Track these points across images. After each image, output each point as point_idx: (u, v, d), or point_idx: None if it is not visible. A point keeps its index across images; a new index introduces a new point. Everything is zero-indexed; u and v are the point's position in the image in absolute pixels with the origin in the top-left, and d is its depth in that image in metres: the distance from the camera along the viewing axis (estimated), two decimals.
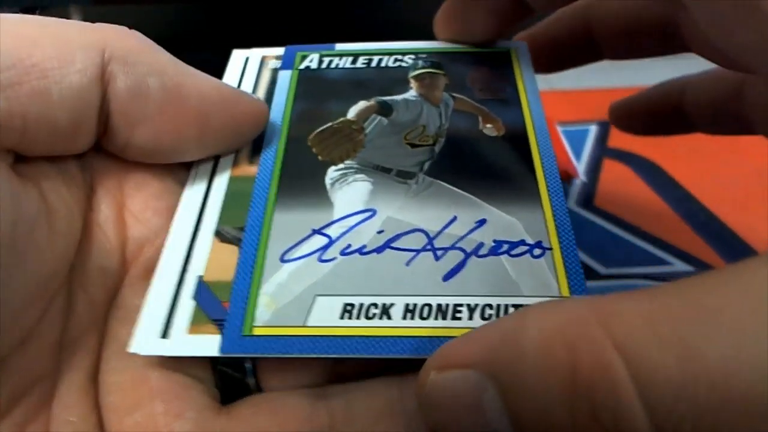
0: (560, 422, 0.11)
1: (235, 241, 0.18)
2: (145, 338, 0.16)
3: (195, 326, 0.16)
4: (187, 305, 0.16)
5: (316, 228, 0.18)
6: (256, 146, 0.20)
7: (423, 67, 0.23)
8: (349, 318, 0.16)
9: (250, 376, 0.17)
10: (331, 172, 0.19)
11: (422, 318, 0.16)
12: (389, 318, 0.16)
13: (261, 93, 0.22)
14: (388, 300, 0.16)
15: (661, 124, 0.25)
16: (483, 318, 0.16)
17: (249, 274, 0.17)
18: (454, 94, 0.22)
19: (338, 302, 0.16)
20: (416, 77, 0.22)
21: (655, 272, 0.28)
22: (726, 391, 0.10)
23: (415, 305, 0.16)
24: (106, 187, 0.18)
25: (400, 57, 0.23)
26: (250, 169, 0.19)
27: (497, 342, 0.13)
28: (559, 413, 0.11)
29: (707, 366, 0.10)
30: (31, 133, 0.15)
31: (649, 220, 0.30)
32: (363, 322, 0.16)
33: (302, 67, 0.23)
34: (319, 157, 0.20)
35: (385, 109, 0.21)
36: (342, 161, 0.20)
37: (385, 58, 0.23)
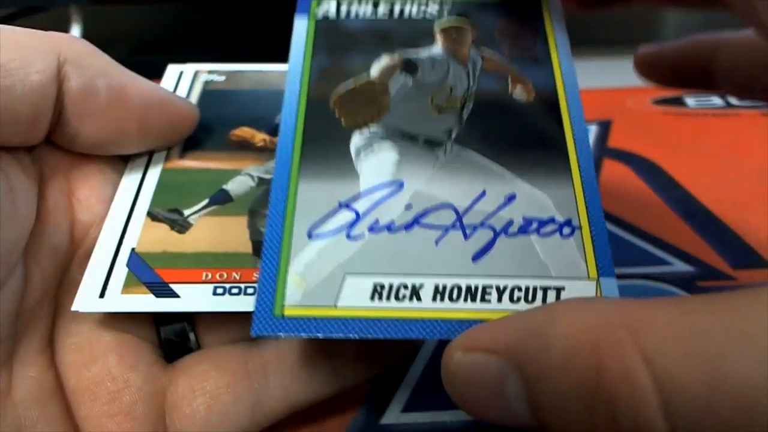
0: (579, 418, 0.12)
1: (165, 221, 0.20)
2: (85, 298, 0.18)
3: (128, 288, 0.18)
4: (121, 271, 0.18)
5: (343, 201, 0.17)
6: (187, 144, 0.22)
7: (449, 18, 0.21)
8: (380, 299, 0.16)
9: (192, 338, 0.20)
10: (356, 139, 0.19)
11: (451, 300, 0.16)
12: (419, 300, 0.16)
13: (192, 100, 0.24)
14: (417, 280, 0.16)
15: (687, 79, 0.24)
16: (511, 300, 0.16)
17: (277, 250, 0.17)
18: (483, 50, 0.21)
19: (368, 282, 0.16)
20: (442, 30, 0.21)
21: (655, 272, 0.28)
22: (751, 412, 0.10)
23: (444, 286, 0.16)
24: (55, 178, 0.20)
25: (424, 4, 0.22)
26: (180, 163, 0.22)
27: (525, 332, 0.13)
28: (578, 410, 0.12)
29: (733, 386, 0.10)
30: None
31: (649, 220, 0.30)
32: (393, 303, 0.16)
33: (320, 16, 0.22)
34: (342, 122, 0.19)
35: (410, 67, 0.20)
36: (366, 126, 0.19)
37: (408, 4, 0.22)
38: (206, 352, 0.19)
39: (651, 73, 0.25)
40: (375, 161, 0.18)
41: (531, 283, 0.16)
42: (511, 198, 0.17)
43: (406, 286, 0.16)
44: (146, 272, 0.18)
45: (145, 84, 0.20)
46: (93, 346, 0.18)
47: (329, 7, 0.22)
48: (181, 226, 0.20)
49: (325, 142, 0.19)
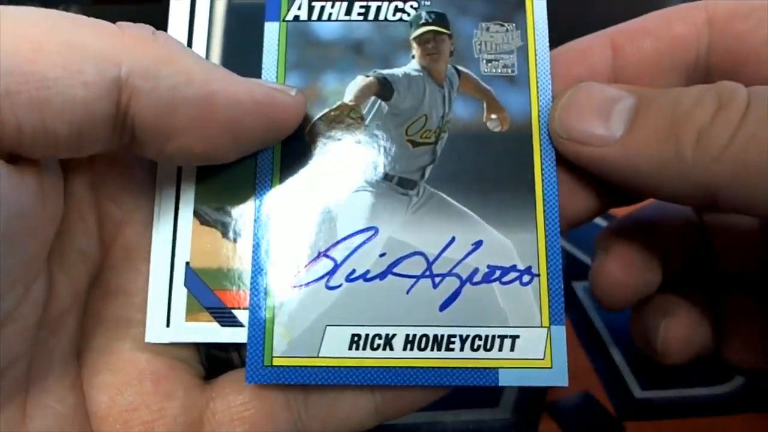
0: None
1: (213, 224, 0.19)
2: (155, 328, 0.18)
3: (191, 314, 0.18)
4: (181, 293, 0.18)
5: (322, 250, 0.19)
6: None
7: (426, 23, 0.20)
8: (357, 349, 0.18)
9: (235, 353, 0.20)
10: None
11: (420, 349, 0.18)
12: (392, 349, 0.18)
13: (218, 31, 0.20)
14: (390, 330, 0.18)
15: None
16: (472, 349, 0.18)
17: (263, 300, 0.18)
18: (460, 68, 0.20)
19: (346, 332, 0.18)
20: (419, 39, 0.20)
21: None
22: None
23: (414, 336, 0.18)
24: (79, 170, 0.17)
25: (401, 4, 0.20)
26: None
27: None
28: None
29: None
30: (28, 142, 0.14)
31: None
32: (369, 353, 0.18)
33: (290, 17, 0.20)
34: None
35: (385, 90, 0.20)
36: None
37: (384, 5, 0.20)
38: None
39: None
40: (351, 204, 0.19)
41: (490, 332, 0.18)
42: (477, 245, 0.19)
43: (380, 336, 0.18)
44: (206, 294, 0.18)
45: (236, 85, 0.16)
46: (127, 368, 0.17)
47: (299, 7, 0.20)
48: (233, 232, 0.19)
49: (302, 182, 0.19)
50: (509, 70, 0.20)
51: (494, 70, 0.20)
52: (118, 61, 0.14)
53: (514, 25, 0.20)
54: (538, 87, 0.20)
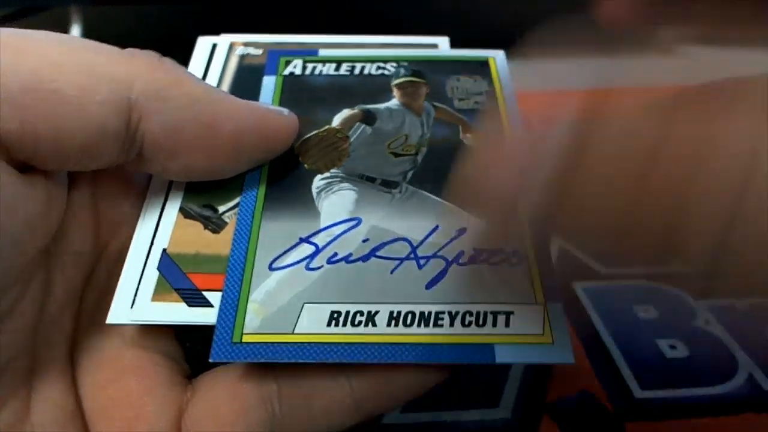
0: None
1: (197, 217, 0.19)
2: (118, 309, 0.17)
3: (158, 295, 0.17)
4: (152, 275, 0.18)
5: (303, 236, 0.18)
6: None
7: (405, 76, 0.23)
8: (336, 325, 0.17)
9: None
10: (317, 181, 0.20)
11: (406, 325, 0.17)
12: (374, 325, 0.17)
13: (228, 79, 0.23)
14: (373, 308, 0.17)
15: None
16: (463, 324, 0.17)
17: (238, 280, 0.17)
18: (436, 104, 0.22)
19: (325, 310, 0.17)
20: (398, 85, 0.23)
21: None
22: None
23: (399, 312, 0.17)
24: (81, 176, 0.18)
25: (382, 65, 0.24)
26: None
27: None
28: None
29: None
30: (42, 153, 0.15)
31: None
32: (349, 329, 0.17)
33: (286, 72, 0.23)
34: (305, 166, 0.20)
35: (368, 117, 0.22)
36: (328, 170, 0.20)
37: (368, 65, 0.24)
38: (225, 374, 0.17)
39: None
40: (335, 200, 0.19)
41: (482, 308, 0.17)
42: (461, 231, 0.19)
43: (362, 313, 0.17)
44: (178, 276, 0.17)
45: (237, 107, 0.18)
46: (113, 365, 0.17)
47: (295, 66, 0.24)
48: (215, 224, 0.19)
49: (289, 184, 0.20)
50: (480, 106, 0.22)
51: (466, 106, 0.22)
52: (130, 83, 0.16)
53: (480, 77, 0.23)
54: (508, 117, 0.22)
